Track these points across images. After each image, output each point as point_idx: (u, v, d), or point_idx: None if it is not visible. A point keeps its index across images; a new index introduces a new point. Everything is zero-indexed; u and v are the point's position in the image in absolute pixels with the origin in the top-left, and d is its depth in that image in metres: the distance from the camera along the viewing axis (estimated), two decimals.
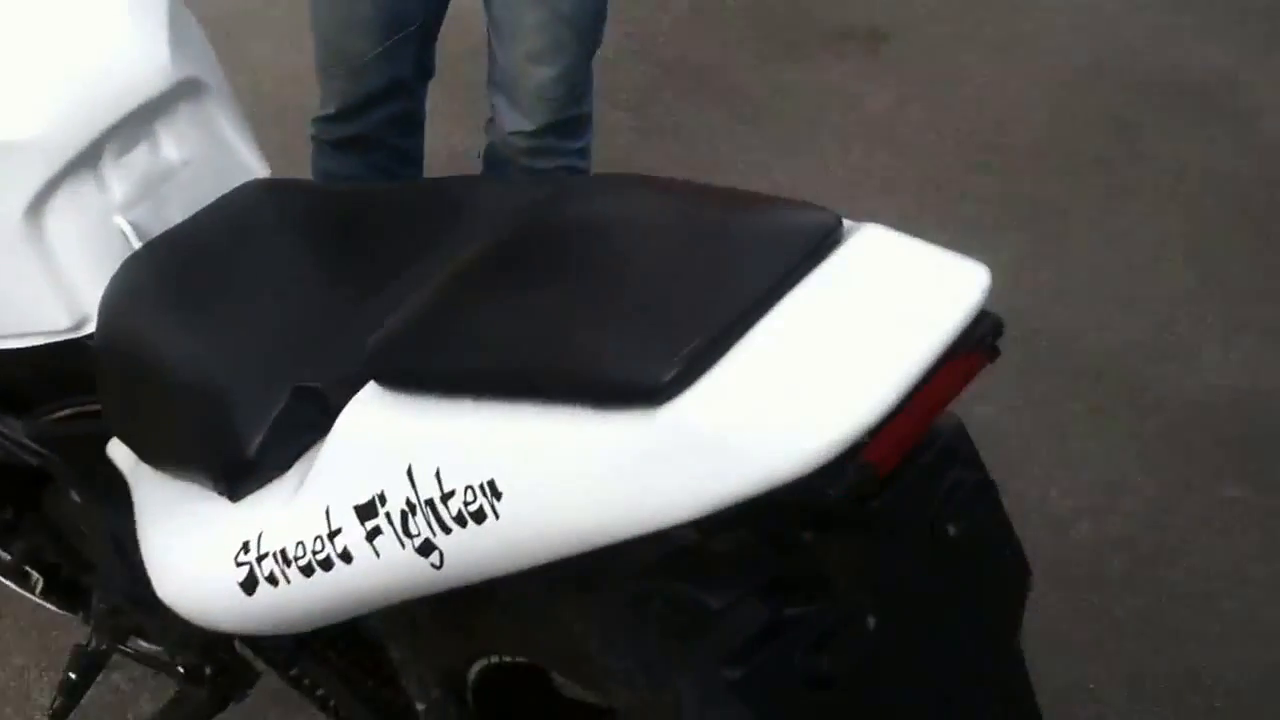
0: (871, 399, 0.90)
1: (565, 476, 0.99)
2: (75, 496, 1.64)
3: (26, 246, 1.40)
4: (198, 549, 1.28)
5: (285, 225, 1.44)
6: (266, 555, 1.19)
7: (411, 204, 1.43)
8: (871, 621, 1.03)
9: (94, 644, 1.78)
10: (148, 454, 1.39)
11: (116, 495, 1.54)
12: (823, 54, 3.77)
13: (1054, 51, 3.74)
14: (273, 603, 1.21)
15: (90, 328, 1.44)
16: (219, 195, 1.49)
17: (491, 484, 1.02)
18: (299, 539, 1.16)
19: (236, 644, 1.67)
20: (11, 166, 1.37)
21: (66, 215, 1.41)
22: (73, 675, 1.74)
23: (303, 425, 1.23)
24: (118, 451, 1.49)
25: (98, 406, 1.57)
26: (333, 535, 1.14)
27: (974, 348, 0.96)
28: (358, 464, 1.12)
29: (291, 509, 1.19)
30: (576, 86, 2.23)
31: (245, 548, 1.21)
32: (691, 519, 0.94)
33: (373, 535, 1.11)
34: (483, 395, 1.04)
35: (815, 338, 0.96)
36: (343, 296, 1.32)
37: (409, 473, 1.07)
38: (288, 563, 1.18)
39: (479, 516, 1.04)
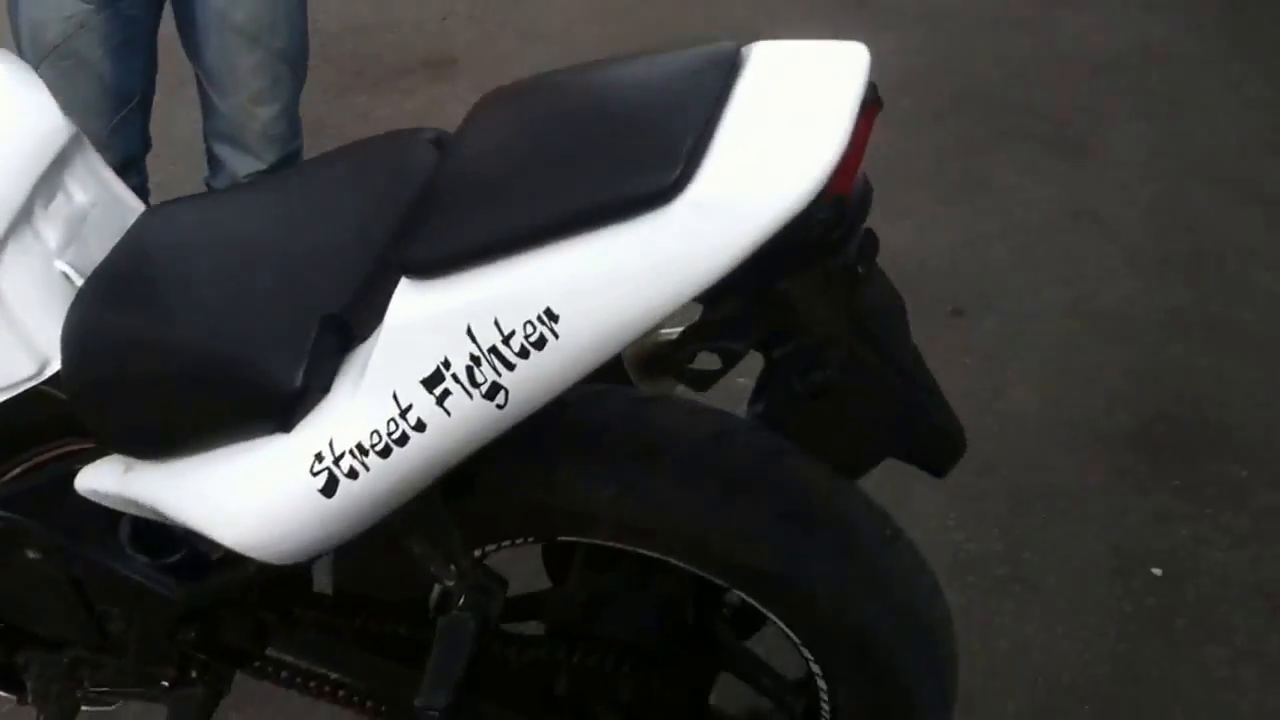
0: (833, 139, 1.16)
1: (615, 279, 1.19)
2: (33, 554, 1.65)
3: None
4: (266, 483, 1.38)
5: (212, 225, 1.55)
6: (343, 454, 1.32)
7: (316, 174, 1.58)
8: (838, 339, 1.31)
9: (48, 715, 1.80)
10: (166, 447, 1.46)
11: (88, 531, 1.62)
12: (408, 85, 4.04)
13: (592, 20, 4.18)
14: (355, 493, 1.34)
15: (52, 369, 1.51)
16: (124, 229, 1.59)
17: (548, 311, 1.21)
18: (373, 428, 1.31)
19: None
20: None
21: (16, 269, 1.49)
22: None
23: (333, 349, 1.37)
24: (93, 480, 1.55)
25: (54, 452, 1.63)
26: (404, 413, 1.29)
27: (870, 103, 1.24)
28: (415, 345, 1.27)
29: (357, 407, 1.32)
30: (295, 120, 2.40)
31: (319, 457, 1.34)
32: (724, 274, 1.17)
33: (442, 398, 1.27)
34: (517, 250, 1.22)
35: (772, 115, 1.21)
36: (308, 250, 1.45)
37: (468, 331, 1.24)
38: (365, 452, 1.32)
39: (540, 344, 1.22)
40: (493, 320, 1.24)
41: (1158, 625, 2.33)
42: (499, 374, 1.26)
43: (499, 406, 1.28)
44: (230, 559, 1.63)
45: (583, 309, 1.22)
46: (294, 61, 2.33)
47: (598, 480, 1.51)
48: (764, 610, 1.58)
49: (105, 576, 1.65)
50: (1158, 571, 2.43)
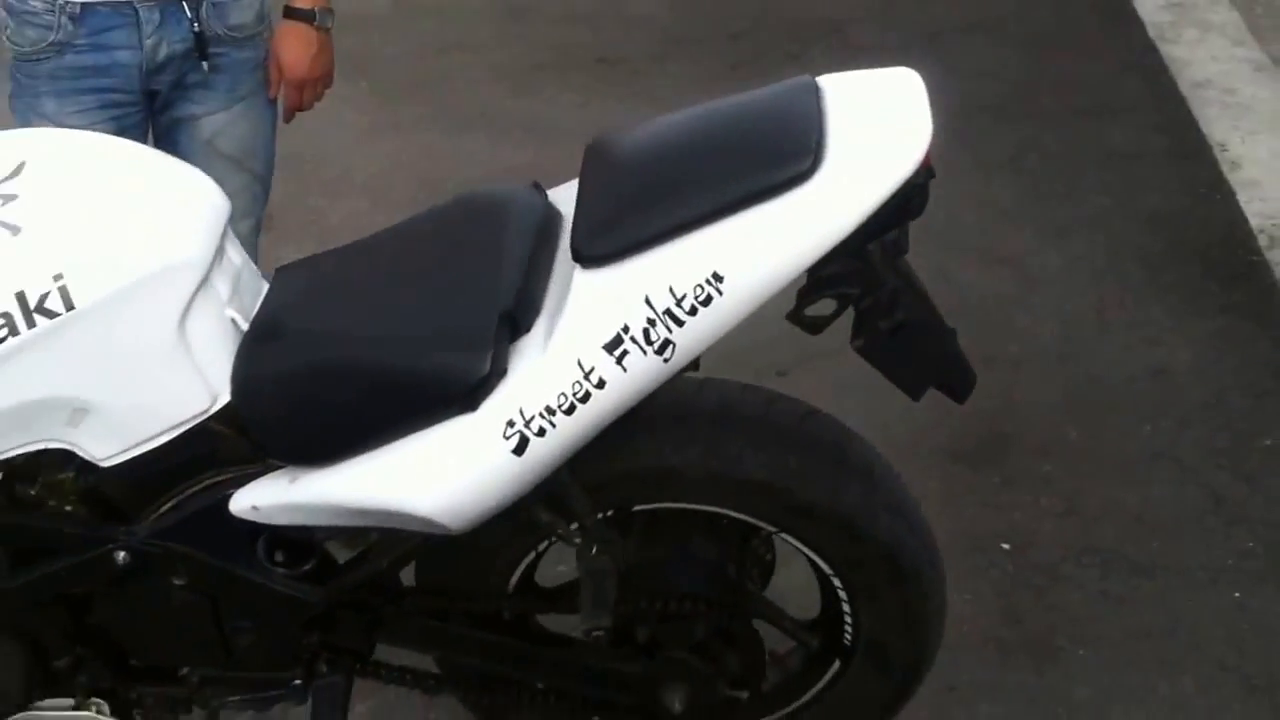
0: (925, 120, 1.50)
1: (772, 240, 1.47)
2: (178, 580, 1.75)
3: (179, 347, 1.62)
4: (462, 453, 1.56)
5: (350, 268, 1.74)
6: (533, 417, 1.54)
7: (429, 221, 1.78)
8: (903, 290, 1.62)
9: None
10: (353, 449, 1.61)
11: (233, 551, 1.74)
12: None
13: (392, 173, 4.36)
14: (541, 450, 1.55)
15: (221, 403, 1.66)
16: (263, 285, 1.76)
17: (715, 274, 1.48)
18: (559, 390, 1.53)
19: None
20: (180, 282, 1.61)
21: (200, 315, 1.64)
22: None
23: (506, 339, 1.57)
24: (252, 498, 1.67)
25: (197, 486, 1.73)
26: (588, 374, 1.52)
27: None
28: (596, 319, 1.51)
29: (543, 375, 1.53)
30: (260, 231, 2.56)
31: (510, 424, 1.54)
32: (856, 226, 1.48)
33: (621, 358, 1.51)
34: (686, 231, 1.48)
35: (868, 113, 1.54)
36: (461, 269, 1.65)
37: (646, 300, 1.49)
38: (553, 413, 1.53)
39: (707, 301, 1.49)
40: (668, 287, 1.50)
41: (1020, 583, 2.70)
42: (670, 331, 1.51)
43: (665, 360, 1.53)
44: (356, 560, 1.79)
45: (745, 267, 1.49)
46: (268, 181, 2.52)
47: (686, 444, 1.76)
48: (803, 547, 1.84)
49: (248, 591, 1.77)
50: (1006, 546, 2.81)
